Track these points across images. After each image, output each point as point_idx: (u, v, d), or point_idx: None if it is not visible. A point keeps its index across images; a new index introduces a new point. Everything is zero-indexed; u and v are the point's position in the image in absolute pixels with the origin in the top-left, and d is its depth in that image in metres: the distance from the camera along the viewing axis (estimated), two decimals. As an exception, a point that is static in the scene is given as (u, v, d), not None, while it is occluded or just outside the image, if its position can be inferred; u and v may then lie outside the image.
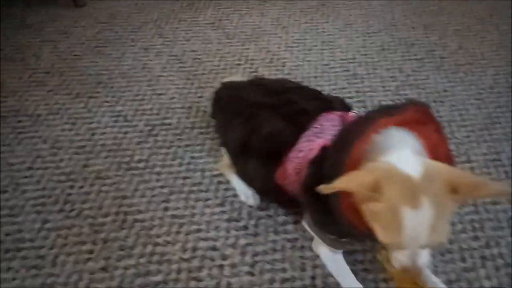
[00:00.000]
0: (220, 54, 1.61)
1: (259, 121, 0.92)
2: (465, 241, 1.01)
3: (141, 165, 1.14)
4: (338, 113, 0.90)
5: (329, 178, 0.64)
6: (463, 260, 0.97)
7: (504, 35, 1.75)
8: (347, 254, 0.96)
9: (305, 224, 0.92)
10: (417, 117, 0.72)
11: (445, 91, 1.48)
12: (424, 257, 0.66)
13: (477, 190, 0.59)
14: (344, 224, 0.73)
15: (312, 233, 0.90)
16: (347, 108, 0.97)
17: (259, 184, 0.97)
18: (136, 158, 1.16)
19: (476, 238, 1.02)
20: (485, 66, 1.59)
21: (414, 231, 0.60)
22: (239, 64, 1.57)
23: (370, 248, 0.97)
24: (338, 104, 0.96)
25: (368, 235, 0.68)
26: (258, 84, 1.08)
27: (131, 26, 1.76)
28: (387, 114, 0.72)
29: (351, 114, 0.89)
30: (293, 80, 1.50)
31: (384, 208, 0.61)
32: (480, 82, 1.53)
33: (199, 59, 1.58)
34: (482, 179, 0.63)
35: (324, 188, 0.62)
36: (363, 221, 0.67)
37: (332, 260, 0.92)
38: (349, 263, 0.95)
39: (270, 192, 0.97)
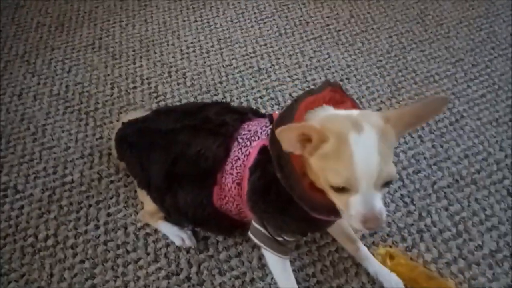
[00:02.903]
0: (110, 80, 1.43)
1: (181, 146, 0.86)
2: (401, 219, 1.05)
3: (50, 242, 0.98)
4: (258, 119, 0.88)
5: (278, 168, 0.69)
6: (404, 239, 1.00)
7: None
8: (298, 271, 0.94)
9: (251, 236, 0.86)
10: (335, 96, 0.75)
11: (348, 66, 1.49)
12: (381, 204, 0.63)
13: (402, 117, 0.65)
14: (305, 213, 0.72)
15: (260, 244, 0.84)
16: (260, 115, 0.94)
17: (195, 213, 0.88)
18: (42, 235, 0.99)
19: (409, 213, 1.06)
20: (378, 31, 1.64)
21: (364, 156, 0.61)
22: (135, 87, 1.41)
23: (320, 258, 0.96)
24: (251, 114, 0.93)
25: (330, 212, 0.69)
26: (165, 111, 1.01)
27: (-7, 69, 1.47)
28: (310, 93, 0.75)
29: (277, 113, 0.84)
30: (198, 90, 1.41)
31: (332, 143, 0.63)
32: (377, 48, 1.57)
33: (87, 92, 1.38)
34: (406, 108, 0.70)
35: (280, 129, 0.62)
36: (324, 195, 0.69)
37: (281, 268, 0.87)
38: (301, 279, 0.93)
39: (209, 220, 0.89)
